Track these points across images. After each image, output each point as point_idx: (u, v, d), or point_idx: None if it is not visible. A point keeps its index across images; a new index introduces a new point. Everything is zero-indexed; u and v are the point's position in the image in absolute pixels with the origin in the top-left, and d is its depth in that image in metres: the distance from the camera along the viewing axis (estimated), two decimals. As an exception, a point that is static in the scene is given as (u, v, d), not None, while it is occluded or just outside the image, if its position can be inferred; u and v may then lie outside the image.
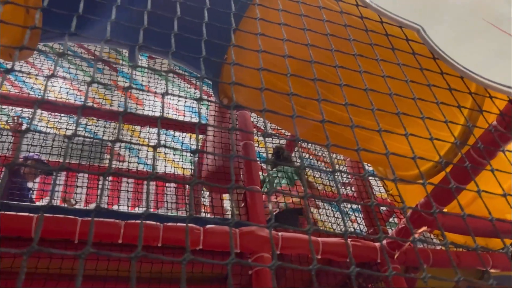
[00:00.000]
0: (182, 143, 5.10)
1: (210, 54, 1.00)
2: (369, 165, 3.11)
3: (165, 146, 0.73)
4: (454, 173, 1.73)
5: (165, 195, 3.96)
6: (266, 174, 3.76)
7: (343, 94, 1.02)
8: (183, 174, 4.61)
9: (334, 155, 3.72)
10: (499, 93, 1.19)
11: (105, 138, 4.31)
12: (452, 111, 1.20)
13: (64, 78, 5.14)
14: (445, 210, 2.08)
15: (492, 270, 2.68)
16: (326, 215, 3.79)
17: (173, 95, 0.79)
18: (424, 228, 2.34)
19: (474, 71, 1.14)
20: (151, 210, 3.80)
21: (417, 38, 1.29)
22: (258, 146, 3.73)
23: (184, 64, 3.06)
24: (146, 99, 5.27)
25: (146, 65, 6.07)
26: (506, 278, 2.76)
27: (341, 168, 3.94)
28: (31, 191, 3.65)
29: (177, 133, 4.99)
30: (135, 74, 5.74)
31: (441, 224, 0.96)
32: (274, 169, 3.69)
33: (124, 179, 4.04)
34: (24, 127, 3.72)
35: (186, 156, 4.68)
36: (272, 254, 0.58)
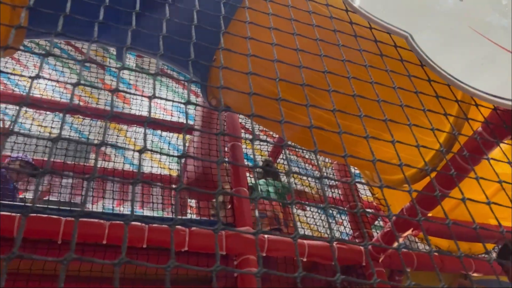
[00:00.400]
0: (169, 143, 5.06)
1: (198, 55, 0.99)
2: (355, 168, 3.12)
3: (152, 151, 0.72)
4: (440, 178, 1.75)
5: (151, 196, 3.92)
6: (253, 177, 3.74)
7: (331, 99, 1.02)
8: (170, 174, 4.58)
9: (321, 158, 3.73)
10: (484, 101, 1.21)
11: (91, 136, 4.25)
12: (439, 117, 1.22)
13: (49, 78, 5.06)
14: (430, 214, 2.10)
15: (475, 274, 2.71)
16: (313, 217, 3.80)
17: (161, 98, 0.79)
18: (409, 231, 2.36)
19: (460, 79, 1.16)
20: (137, 209, 3.77)
21: (406, 45, 1.30)
22: (245, 148, 3.71)
23: (172, 63, 3.04)
24: (133, 98, 5.22)
25: (135, 64, 6.02)
26: (489, 282, 2.79)
27: (328, 171, 3.95)
28: (16, 191, 3.59)
29: (164, 133, 4.96)
30: (123, 73, 5.68)
31: (426, 228, 0.97)
32: (263, 180, 3.65)
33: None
34: (7, 124, 3.64)
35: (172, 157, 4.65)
36: (258, 261, 0.58)
